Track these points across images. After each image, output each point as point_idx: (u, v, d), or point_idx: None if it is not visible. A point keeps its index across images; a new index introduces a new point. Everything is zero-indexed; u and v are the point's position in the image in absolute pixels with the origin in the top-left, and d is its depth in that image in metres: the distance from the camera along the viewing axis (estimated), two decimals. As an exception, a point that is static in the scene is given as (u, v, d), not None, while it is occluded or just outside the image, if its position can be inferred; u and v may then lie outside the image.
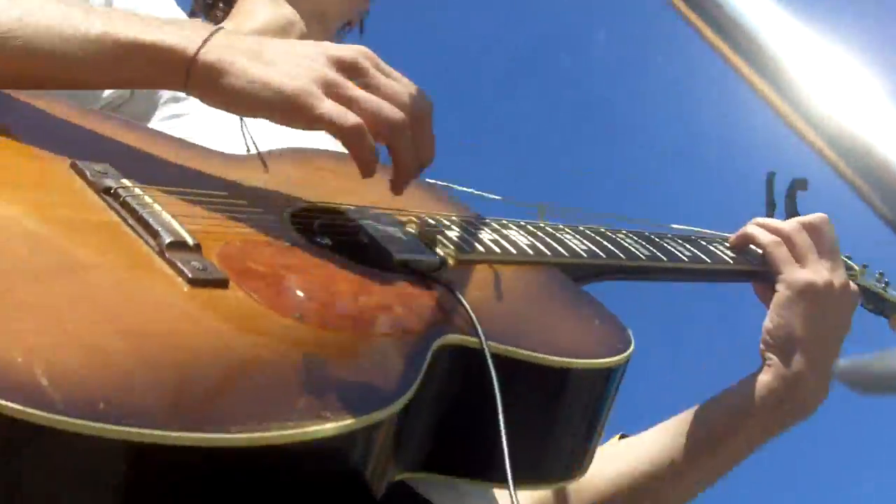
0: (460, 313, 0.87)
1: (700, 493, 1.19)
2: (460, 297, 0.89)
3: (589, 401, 0.93)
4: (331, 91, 0.88)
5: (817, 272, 1.15)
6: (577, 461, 0.96)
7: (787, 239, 1.18)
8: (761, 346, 1.17)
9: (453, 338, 0.84)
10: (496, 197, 1.27)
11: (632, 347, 0.94)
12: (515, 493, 0.78)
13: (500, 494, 1.15)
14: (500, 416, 0.80)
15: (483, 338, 0.84)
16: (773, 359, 1.16)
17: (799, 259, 1.16)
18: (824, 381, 1.17)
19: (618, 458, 1.19)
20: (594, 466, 1.18)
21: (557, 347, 0.90)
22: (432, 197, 1.16)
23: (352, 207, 1.01)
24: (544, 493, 1.20)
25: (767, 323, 1.16)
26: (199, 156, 1.02)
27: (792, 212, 1.27)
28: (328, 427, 0.66)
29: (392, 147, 0.92)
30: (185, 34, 0.90)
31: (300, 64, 0.89)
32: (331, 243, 0.95)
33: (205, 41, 0.89)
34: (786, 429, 1.18)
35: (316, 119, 0.86)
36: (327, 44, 0.94)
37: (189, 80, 0.88)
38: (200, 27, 0.92)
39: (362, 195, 1.04)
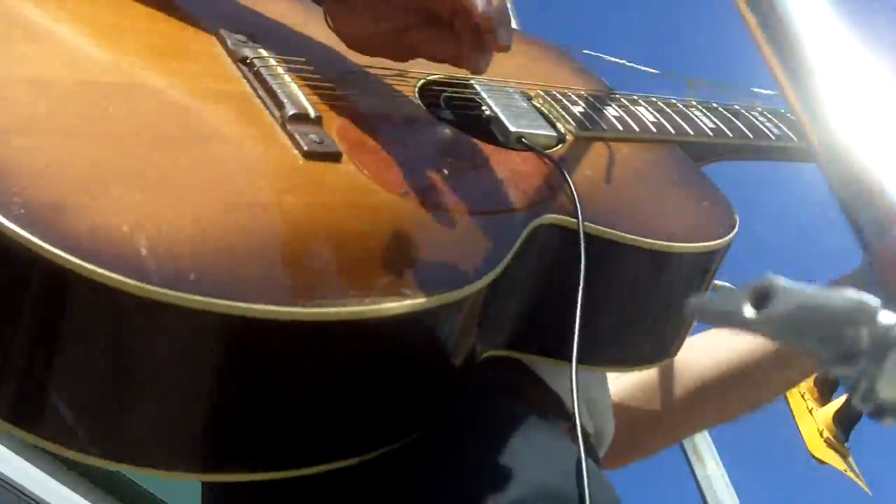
0: (566, 192, 0.90)
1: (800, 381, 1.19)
2: (566, 175, 0.92)
3: (682, 284, 0.95)
4: None
5: None
6: (666, 345, 0.98)
7: None
8: None
9: (552, 217, 0.87)
10: (650, 70, 1.27)
11: (734, 232, 0.95)
12: (576, 374, 0.82)
13: (611, 378, 1.20)
14: (580, 294, 0.84)
15: (581, 217, 0.87)
16: None
17: None
18: None
19: (730, 341, 1.19)
20: (695, 353, 1.20)
21: (656, 230, 0.92)
22: (570, 70, 1.17)
23: (482, 80, 1.04)
24: (646, 373, 1.21)
25: None
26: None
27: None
28: (405, 304, 0.70)
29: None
30: None
31: None
32: (453, 117, 0.99)
33: None
34: None
35: None
36: None
37: None
38: None
39: (501, 68, 1.08)
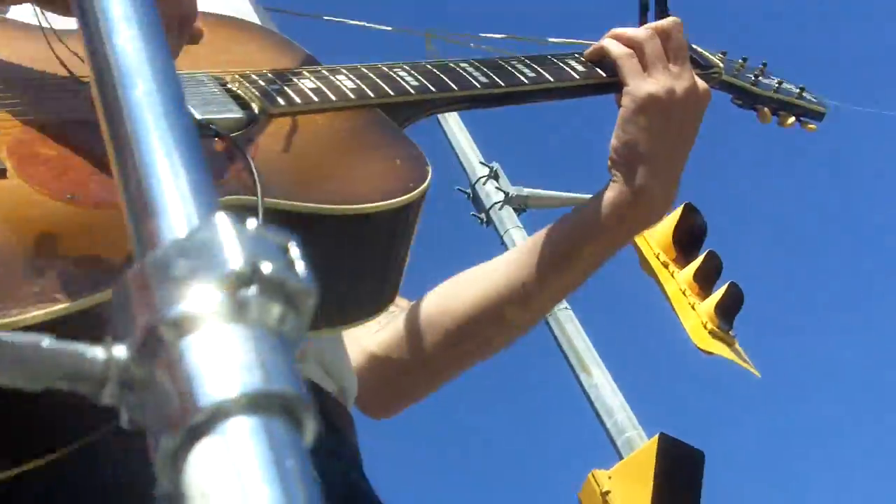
0: (249, 171, 0.89)
1: (548, 312, 1.23)
2: (243, 151, 0.92)
3: (387, 239, 0.97)
4: None
5: (660, 82, 1.13)
6: (380, 297, 1.00)
7: (638, 48, 1.15)
8: (608, 162, 1.16)
9: (231, 199, 0.87)
10: (384, 27, 1.28)
11: (425, 184, 0.97)
12: None
13: (366, 334, 1.22)
14: None
15: (260, 195, 0.86)
16: (617, 175, 1.15)
17: (647, 68, 1.14)
18: (669, 192, 1.16)
19: (474, 283, 1.22)
20: (451, 293, 1.23)
21: (344, 195, 0.94)
22: (273, 49, 1.17)
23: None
24: (396, 328, 1.23)
25: (613, 139, 1.15)
26: (8, 34, 1.03)
27: (661, 15, 1.23)
28: (52, 310, 0.71)
29: None
30: None
31: None
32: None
33: None
34: (630, 240, 1.20)
35: None
36: None
37: None
38: None
39: (197, 55, 1.07)
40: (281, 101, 1.03)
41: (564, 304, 6.78)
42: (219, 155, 0.94)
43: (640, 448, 5.47)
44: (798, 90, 1.32)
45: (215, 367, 0.36)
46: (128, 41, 0.43)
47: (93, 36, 0.44)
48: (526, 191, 7.30)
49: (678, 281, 6.04)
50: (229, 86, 1.05)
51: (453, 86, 1.12)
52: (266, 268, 0.37)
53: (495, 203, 7.28)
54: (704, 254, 6.01)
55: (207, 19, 1.10)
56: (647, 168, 1.14)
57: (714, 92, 1.25)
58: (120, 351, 0.38)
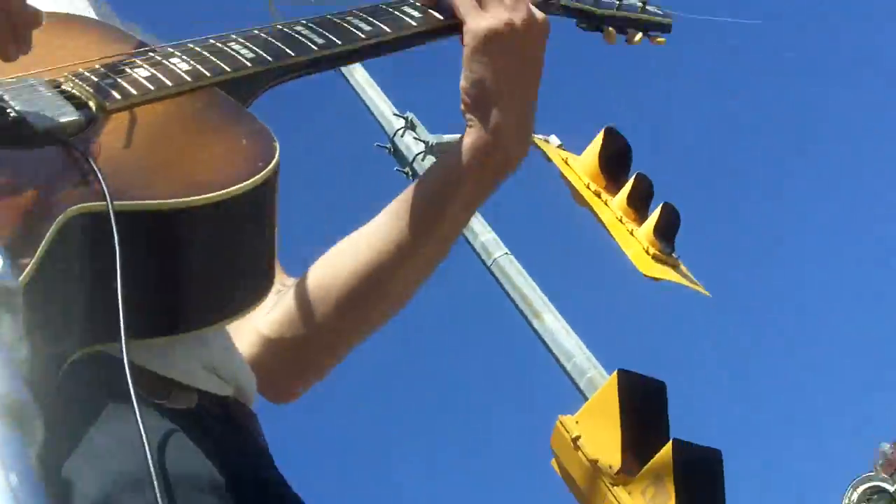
0: (94, 179, 0.89)
1: (434, 266, 1.21)
2: (87, 157, 0.91)
3: (248, 224, 0.96)
4: None
5: (497, 16, 1.12)
6: (257, 282, 1.00)
7: None
8: (462, 107, 1.15)
9: (79, 207, 0.86)
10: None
11: (274, 161, 0.95)
12: (127, 349, 0.84)
13: (233, 327, 1.17)
14: (119, 275, 0.84)
15: (110, 199, 0.86)
16: (472, 118, 1.15)
17: (482, 4, 1.14)
18: (525, 126, 1.16)
19: (353, 250, 1.21)
20: (332, 262, 1.22)
21: (190, 185, 0.92)
22: (106, 41, 1.14)
23: (3, 81, 1.00)
24: (285, 306, 1.22)
25: (462, 81, 1.14)
26: None
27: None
28: None
29: None
30: None
31: None
32: None
33: None
34: (498, 185, 1.19)
35: None
36: None
37: None
38: None
39: (25, 60, 1.02)
40: (116, 94, 1.01)
41: (504, 249, 6.78)
42: (62, 160, 0.93)
43: (601, 387, 5.52)
44: (640, 4, 1.32)
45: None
46: None
47: None
48: (446, 137, 7.21)
49: (613, 209, 6.08)
50: (63, 87, 1.02)
51: (290, 52, 1.11)
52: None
53: (417, 154, 7.25)
54: (633, 176, 6.06)
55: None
56: (499, 106, 1.14)
57: (559, 19, 1.26)
58: None
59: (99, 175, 0.89)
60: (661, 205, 5.96)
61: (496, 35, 1.13)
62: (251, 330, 1.22)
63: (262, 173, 0.95)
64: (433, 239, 1.19)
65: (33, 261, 0.82)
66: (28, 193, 0.90)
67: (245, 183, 0.93)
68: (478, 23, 1.13)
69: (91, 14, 1.27)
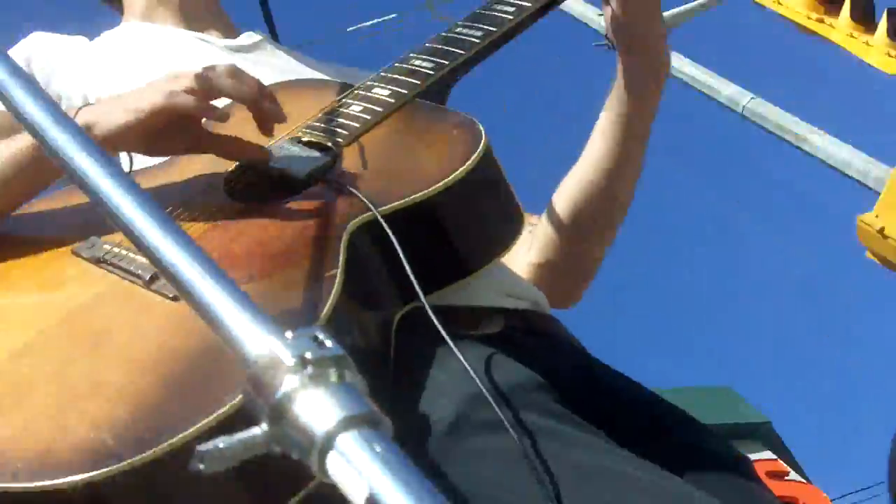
0: (355, 195, 1.10)
1: (641, 163, 1.45)
2: (344, 185, 1.13)
3: (480, 192, 1.15)
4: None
5: None
6: (510, 227, 1.20)
7: None
8: (608, 38, 1.36)
9: (354, 223, 1.05)
10: (391, 16, 1.47)
11: (483, 137, 1.15)
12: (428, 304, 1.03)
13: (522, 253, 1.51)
14: (399, 252, 1.04)
15: (373, 208, 1.07)
16: (619, 44, 1.35)
17: None
18: (660, 29, 1.36)
19: (578, 175, 1.47)
20: (567, 188, 1.50)
21: (428, 178, 1.10)
22: (316, 92, 1.37)
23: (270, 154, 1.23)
24: (541, 236, 1.50)
25: (605, 20, 1.35)
26: (148, 178, 1.24)
27: None
28: (225, 409, 0.82)
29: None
30: None
31: (146, 90, 1.16)
32: (256, 198, 1.18)
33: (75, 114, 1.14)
34: (662, 87, 1.40)
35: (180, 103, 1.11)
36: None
37: None
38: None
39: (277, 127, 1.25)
40: (343, 132, 1.24)
41: (749, 94, 7.06)
42: (328, 193, 1.15)
43: (891, 177, 5.55)
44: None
45: (317, 413, 0.60)
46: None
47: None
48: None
49: (840, 29, 5.95)
50: (303, 140, 1.26)
51: (459, 51, 1.30)
52: (309, 354, 0.60)
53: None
54: (849, -4, 5.85)
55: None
56: (637, 23, 1.33)
57: None
58: (263, 426, 0.62)
59: (358, 194, 1.11)
60: (885, 11, 5.74)
61: None
62: (522, 266, 1.50)
63: (479, 148, 1.14)
64: (634, 153, 1.43)
65: (338, 271, 1.01)
66: (310, 225, 1.11)
67: (469, 161, 1.13)
68: None
69: (305, 68, 1.52)
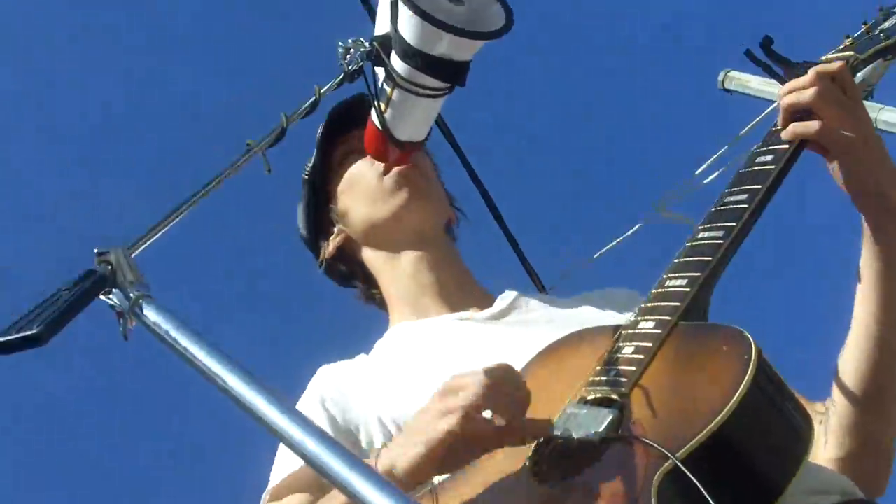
0: (652, 449, 1.09)
1: None
2: (638, 437, 1.12)
3: (764, 407, 1.13)
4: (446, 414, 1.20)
5: (826, 113, 1.31)
6: (801, 431, 1.16)
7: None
8: (853, 201, 1.34)
9: (658, 477, 1.06)
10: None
11: (754, 347, 1.13)
12: None
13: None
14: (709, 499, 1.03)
15: (673, 456, 1.06)
16: (866, 207, 1.35)
17: (815, 114, 1.33)
18: (887, 158, 1.35)
19: (852, 352, 1.40)
20: (844, 370, 1.41)
21: (713, 406, 1.10)
22: (585, 345, 1.37)
23: (552, 425, 1.24)
24: (836, 428, 1.41)
25: (842, 186, 1.35)
26: (453, 492, 1.27)
27: (783, 62, 1.37)
28: None
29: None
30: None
31: (430, 420, 1.21)
32: (560, 474, 1.19)
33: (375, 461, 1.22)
34: None
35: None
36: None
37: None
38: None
39: (551, 400, 1.28)
40: (624, 379, 1.22)
41: None
42: (627, 450, 1.14)
43: None
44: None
45: None
46: None
47: None
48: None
49: None
50: (588, 398, 1.24)
51: (708, 258, 1.29)
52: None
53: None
54: None
55: (535, 373, 1.36)
56: (878, 181, 1.33)
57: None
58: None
59: (653, 444, 1.10)
60: None
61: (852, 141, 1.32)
62: (825, 462, 1.41)
63: (752, 362, 1.12)
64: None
65: None
66: (620, 492, 1.11)
67: (745, 379, 1.11)
68: (829, 134, 1.32)
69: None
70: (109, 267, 1.08)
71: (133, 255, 1.14)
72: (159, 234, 1.26)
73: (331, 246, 1.87)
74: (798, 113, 1.35)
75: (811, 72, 1.34)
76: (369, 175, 1.79)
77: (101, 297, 1.06)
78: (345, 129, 1.86)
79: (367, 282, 1.88)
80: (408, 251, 1.79)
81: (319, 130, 1.88)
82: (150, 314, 1.03)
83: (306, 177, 1.90)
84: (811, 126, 1.33)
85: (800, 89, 1.34)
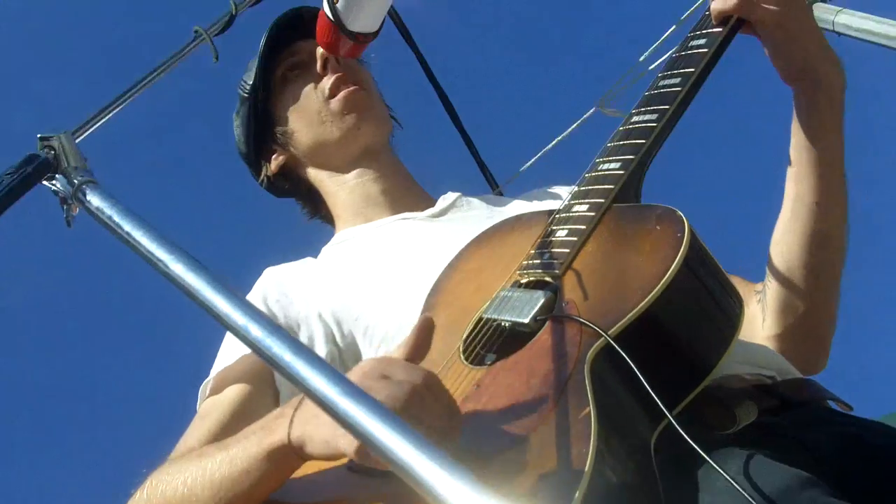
0: (585, 328, 1.09)
1: (846, 207, 1.40)
2: (572, 316, 1.12)
3: (696, 282, 1.13)
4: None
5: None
6: (731, 304, 1.16)
7: None
8: (783, 80, 1.35)
9: (591, 354, 1.05)
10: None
11: (686, 225, 1.13)
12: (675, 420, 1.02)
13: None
14: (638, 373, 1.03)
15: (605, 333, 1.06)
16: (796, 83, 1.35)
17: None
18: (826, 48, 1.35)
19: (784, 229, 1.42)
20: (782, 245, 1.42)
21: (645, 285, 1.09)
22: (524, 228, 1.37)
23: (484, 308, 1.25)
24: (772, 305, 1.44)
25: (773, 62, 1.35)
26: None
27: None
28: None
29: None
30: (277, 423, 1.12)
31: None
32: (494, 356, 1.19)
33: (290, 422, 1.11)
34: (842, 103, 1.37)
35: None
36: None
37: (296, 459, 1.11)
38: (279, 414, 1.15)
39: (491, 278, 1.29)
40: (557, 261, 1.23)
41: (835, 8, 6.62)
42: (560, 329, 1.14)
43: None
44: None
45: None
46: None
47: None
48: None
49: None
50: (522, 282, 1.25)
51: (640, 141, 1.29)
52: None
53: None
54: None
55: (469, 258, 1.37)
56: (805, 52, 1.33)
57: None
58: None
59: (585, 321, 1.10)
60: None
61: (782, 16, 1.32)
62: (762, 342, 1.43)
63: (685, 241, 1.12)
64: (834, 183, 1.38)
65: (591, 407, 1.02)
66: (551, 369, 1.11)
67: (678, 257, 1.11)
68: (763, 15, 1.32)
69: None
70: (53, 152, 1.07)
71: (77, 141, 1.12)
72: (104, 120, 1.23)
73: (273, 165, 1.88)
74: None
75: None
76: (315, 98, 1.80)
77: (44, 182, 1.05)
78: (288, 41, 1.85)
79: (310, 196, 1.90)
80: (353, 168, 1.81)
81: (261, 44, 1.85)
82: (94, 200, 1.02)
83: (245, 94, 1.88)
84: (729, 1, 1.33)
85: None
